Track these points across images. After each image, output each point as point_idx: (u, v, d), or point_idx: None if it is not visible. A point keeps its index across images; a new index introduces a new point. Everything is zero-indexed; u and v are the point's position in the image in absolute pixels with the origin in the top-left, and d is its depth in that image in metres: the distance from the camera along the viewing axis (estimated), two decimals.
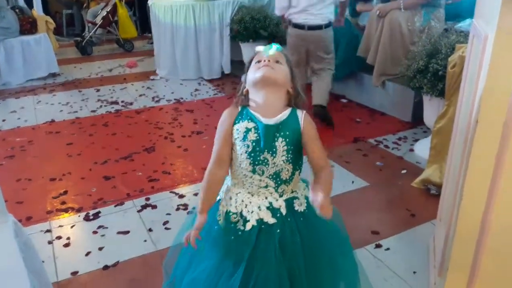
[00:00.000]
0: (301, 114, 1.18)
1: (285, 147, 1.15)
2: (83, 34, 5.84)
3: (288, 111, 1.18)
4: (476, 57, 1.22)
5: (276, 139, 1.15)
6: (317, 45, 3.07)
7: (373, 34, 3.29)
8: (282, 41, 3.95)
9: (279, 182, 1.17)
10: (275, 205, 1.17)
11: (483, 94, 1.03)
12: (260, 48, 1.22)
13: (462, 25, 3.48)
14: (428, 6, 3.19)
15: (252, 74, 1.17)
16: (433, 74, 2.33)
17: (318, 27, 3.00)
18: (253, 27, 3.98)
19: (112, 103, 3.72)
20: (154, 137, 3.00)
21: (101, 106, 3.65)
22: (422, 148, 2.63)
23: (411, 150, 2.71)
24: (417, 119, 3.03)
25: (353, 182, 2.35)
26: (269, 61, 1.16)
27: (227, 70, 4.39)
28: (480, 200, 1.12)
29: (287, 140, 1.15)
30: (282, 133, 1.15)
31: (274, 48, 1.19)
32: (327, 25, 3.03)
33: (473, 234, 1.16)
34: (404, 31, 3.13)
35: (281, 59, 1.19)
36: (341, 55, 3.51)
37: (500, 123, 1.02)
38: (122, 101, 3.75)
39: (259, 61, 1.18)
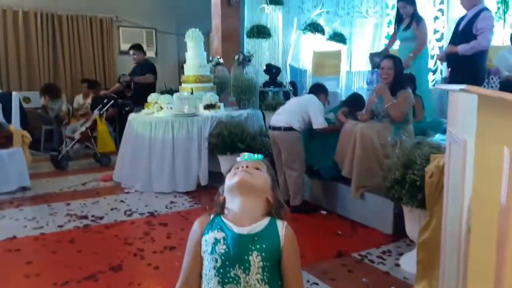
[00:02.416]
0: (281, 226, 1.06)
1: (261, 263, 1.00)
2: (60, 148, 5.82)
3: (266, 220, 1.06)
4: (456, 163, 1.20)
5: (250, 252, 1.00)
6: (279, 144, 3.54)
7: (346, 146, 3.37)
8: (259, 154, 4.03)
9: None
10: None
11: (472, 200, 0.98)
12: (241, 155, 1.17)
13: (432, 139, 3.65)
14: (398, 122, 3.34)
15: (229, 180, 1.10)
16: (410, 184, 2.32)
17: (278, 129, 3.51)
18: (231, 140, 4.05)
19: (82, 217, 3.53)
20: (122, 254, 2.77)
21: (69, 221, 3.45)
22: (408, 262, 2.49)
23: (397, 265, 2.57)
24: (399, 231, 2.94)
25: None
26: (247, 167, 1.11)
27: (204, 182, 4.33)
28: None
29: (263, 254, 1.00)
30: (257, 246, 1.01)
31: (254, 156, 1.15)
32: (286, 129, 3.47)
33: None
34: (376, 146, 3.22)
35: (261, 167, 1.13)
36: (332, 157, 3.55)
37: (494, 229, 0.95)
38: (92, 216, 3.56)
39: (237, 168, 1.12)
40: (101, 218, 3.52)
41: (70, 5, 7.60)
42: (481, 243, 0.98)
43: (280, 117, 3.58)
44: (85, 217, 3.53)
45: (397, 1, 4.72)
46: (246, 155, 1.15)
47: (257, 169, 1.12)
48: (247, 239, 1.02)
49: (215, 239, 1.03)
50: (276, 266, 1.04)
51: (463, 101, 1.13)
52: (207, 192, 4.25)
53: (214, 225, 1.07)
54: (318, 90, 3.82)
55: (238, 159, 1.16)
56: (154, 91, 5.52)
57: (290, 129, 3.48)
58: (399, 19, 4.72)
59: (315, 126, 3.57)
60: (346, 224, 3.30)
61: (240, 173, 1.09)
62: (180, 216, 3.57)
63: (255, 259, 1.01)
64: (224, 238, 1.03)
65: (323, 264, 2.57)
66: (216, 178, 4.34)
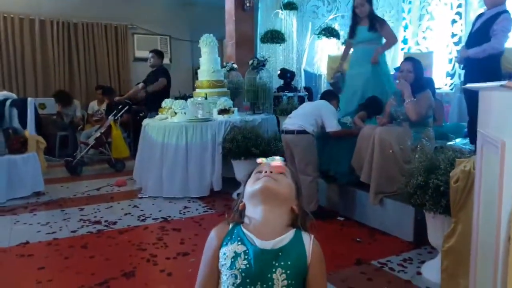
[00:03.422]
0: (308, 240, 0.97)
1: (285, 282, 0.91)
2: (75, 154, 5.84)
3: (291, 233, 0.97)
4: (491, 167, 1.11)
5: (273, 269, 0.91)
6: (292, 149, 3.46)
7: (364, 151, 3.28)
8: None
9: None
10: None
11: None
12: (262, 159, 1.08)
13: (453, 143, 3.54)
14: (418, 126, 3.24)
15: (251, 186, 1.01)
16: (434, 189, 2.22)
17: (291, 132, 3.43)
18: (245, 145, 3.99)
19: (95, 222, 3.50)
20: (135, 260, 2.72)
21: (82, 226, 3.42)
22: (431, 271, 2.39)
23: (419, 273, 2.46)
24: (419, 238, 2.84)
25: None
26: (271, 172, 1.01)
27: (217, 188, 4.28)
28: None
29: (288, 272, 0.91)
30: (282, 262, 0.91)
31: (278, 159, 1.05)
32: (299, 132, 3.39)
33: None
34: (396, 150, 3.11)
35: (286, 172, 1.04)
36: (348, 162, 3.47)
37: None
38: (106, 221, 3.53)
39: (259, 172, 1.03)
40: (115, 223, 3.48)
41: (86, 13, 7.69)
42: None
43: (293, 121, 3.51)
44: (99, 222, 3.50)
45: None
46: (270, 158, 1.06)
47: (281, 173, 1.03)
48: (270, 255, 0.93)
49: (235, 253, 0.94)
50: (301, 284, 0.95)
51: (499, 100, 1.05)
52: (221, 197, 4.20)
53: (233, 236, 0.98)
54: (330, 96, 3.77)
55: (260, 161, 1.07)
56: (168, 96, 5.50)
57: (303, 132, 3.40)
58: (355, 21, 4.31)
59: (328, 129, 3.49)
60: (364, 231, 3.20)
61: (264, 178, 1.00)
62: (194, 221, 3.52)
63: (279, 277, 0.91)
64: (245, 252, 0.94)
65: (342, 272, 2.48)
66: (230, 183, 4.29)
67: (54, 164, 6.08)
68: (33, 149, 4.50)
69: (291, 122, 3.53)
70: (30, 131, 4.59)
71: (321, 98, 3.81)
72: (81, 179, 5.26)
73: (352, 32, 4.36)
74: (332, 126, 3.49)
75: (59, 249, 2.95)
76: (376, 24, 4.17)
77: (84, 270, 2.59)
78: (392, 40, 4.27)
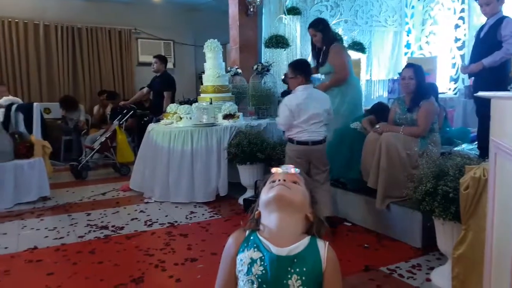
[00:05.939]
0: (323, 247, 0.99)
1: None
2: (80, 158, 5.86)
3: (306, 240, 0.99)
4: (505, 176, 1.12)
5: (289, 275, 0.93)
6: (319, 160, 3.30)
7: (370, 157, 3.28)
8: (279, 164, 3.95)
9: None
10: None
11: None
12: (276, 168, 1.10)
13: (460, 149, 3.54)
14: None
15: (265, 194, 1.03)
16: (443, 196, 2.23)
17: (319, 142, 3.25)
18: (250, 151, 4.00)
19: (102, 228, 3.51)
20: (143, 266, 2.73)
21: (89, 232, 3.43)
22: (440, 277, 2.39)
23: (428, 279, 2.46)
24: (427, 245, 2.85)
25: None
26: (284, 180, 1.03)
27: (223, 193, 4.29)
28: None
29: (303, 278, 0.93)
30: (297, 269, 0.93)
31: (291, 168, 1.08)
32: (324, 140, 3.32)
33: None
34: (403, 156, 3.12)
35: (299, 181, 1.06)
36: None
37: None
38: (113, 226, 3.54)
39: (273, 181, 1.05)
40: (122, 228, 3.49)
41: (90, 18, 7.73)
42: None
43: (315, 131, 3.27)
44: (106, 228, 3.51)
45: (308, 28, 4.17)
46: (283, 167, 1.08)
47: (295, 182, 1.05)
48: (286, 261, 0.95)
49: (251, 259, 0.96)
50: None
51: None
52: (226, 202, 4.21)
53: (250, 243, 1.00)
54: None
55: (274, 170, 1.09)
56: (173, 101, 5.53)
57: (325, 140, 3.33)
58: (316, 52, 4.16)
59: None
60: (372, 237, 3.20)
61: (278, 187, 1.02)
62: (201, 227, 3.52)
63: (294, 283, 0.93)
64: (261, 259, 0.96)
65: (351, 279, 2.47)
66: (235, 188, 4.30)
67: (59, 168, 6.10)
68: (39, 154, 4.51)
69: (314, 131, 3.25)
70: (36, 136, 4.61)
71: None
72: (87, 184, 5.27)
73: (317, 59, 4.19)
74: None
75: (67, 255, 2.96)
76: (328, 55, 3.96)
77: (93, 276, 2.60)
78: (338, 75, 3.94)
